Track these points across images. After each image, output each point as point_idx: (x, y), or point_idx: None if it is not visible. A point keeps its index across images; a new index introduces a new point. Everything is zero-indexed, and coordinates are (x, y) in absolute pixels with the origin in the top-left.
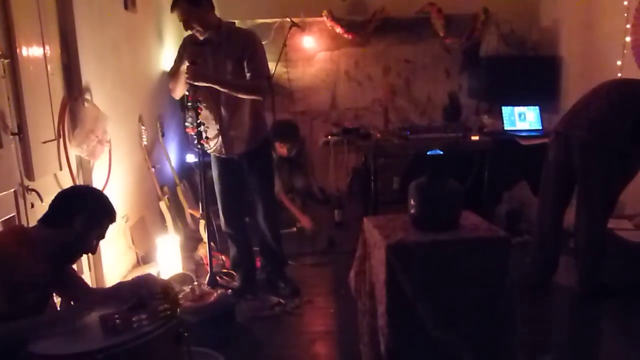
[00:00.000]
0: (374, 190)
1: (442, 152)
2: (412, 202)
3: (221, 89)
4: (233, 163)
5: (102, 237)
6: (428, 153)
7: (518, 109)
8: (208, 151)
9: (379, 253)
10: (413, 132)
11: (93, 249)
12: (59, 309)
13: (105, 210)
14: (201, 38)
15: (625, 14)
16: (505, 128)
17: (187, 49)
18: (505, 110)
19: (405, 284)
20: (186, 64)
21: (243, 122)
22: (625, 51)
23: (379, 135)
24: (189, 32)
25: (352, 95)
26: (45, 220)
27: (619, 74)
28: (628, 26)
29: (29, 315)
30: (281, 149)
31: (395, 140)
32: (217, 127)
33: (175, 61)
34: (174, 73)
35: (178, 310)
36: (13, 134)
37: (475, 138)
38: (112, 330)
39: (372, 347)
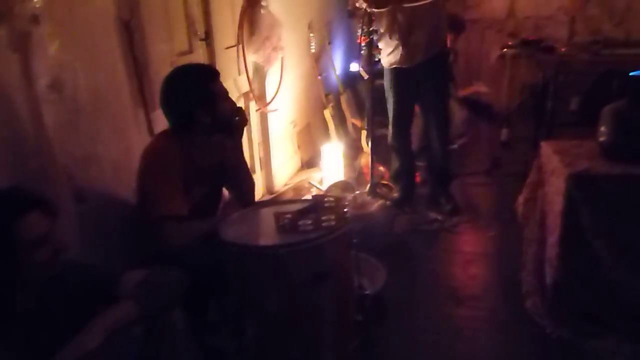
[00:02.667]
0: (550, 110)
1: None
2: (603, 128)
3: None
4: (409, 74)
5: (225, 94)
6: (631, 74)
7: None
8: (385, 64)
9: (557, 181)
10: (606, 47)
11: (233, 111)
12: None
13: (202, 81)
14: None
15: None
16: None
17: None
18: None
19: (586, 217)
20: None
21: (421, 30)
22: None
23: (563, 49)
24: None
25: (533, 1)
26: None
27: None
28: None
29: (202, 212)
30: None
31: (584, 56)
32: (396, 37)
33: None
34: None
35: (346, 221)
36: (201, 39)
37: None
38: (282, 228)
39: (536, 277)
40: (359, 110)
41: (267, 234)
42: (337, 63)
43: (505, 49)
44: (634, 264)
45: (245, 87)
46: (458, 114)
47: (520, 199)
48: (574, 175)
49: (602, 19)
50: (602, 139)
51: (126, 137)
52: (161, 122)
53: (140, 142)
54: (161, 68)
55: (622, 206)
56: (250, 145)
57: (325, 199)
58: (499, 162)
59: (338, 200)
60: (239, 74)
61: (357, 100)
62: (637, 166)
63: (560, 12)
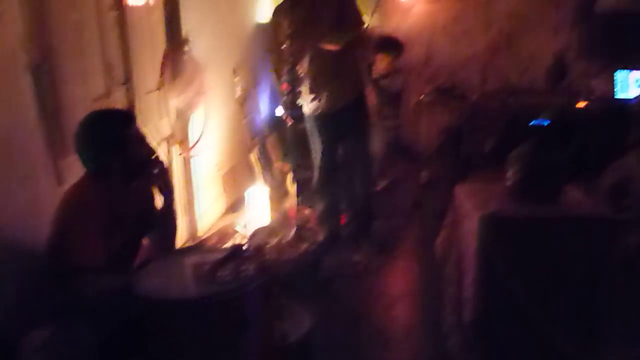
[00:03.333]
0: (467, 152)
1: (546, 122)
2: (511, 171)
3: (318, 46)
4: (331, 119)
5: (139, 140)
6: (532, 123)
7: (635, 74)
8: (308, 110)
9: (471, 223)
10: (512, 95)
11: (144, 154)
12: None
13: (116, 126)
14: None
15: None
16: (617, 95)
17: (287, 17)
18: (620, 75)
19: (498, 257)
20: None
21: (341, 77)
22: None
23: (475, 97)
24: None
25: (449, 51)
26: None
27: None
28: None
29: (120, 262)
30: (381, 62)
31: (492, 103)
32: (318, 84)
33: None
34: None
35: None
36: (120, 84)
37: (581, 105)
38: (200, 279)
39: (456, 316)
40: (285, 153)
41: (185, 285)
42: (263, 106)
43: (422, 96)
44: (546, 299)
45: (168, 132)
46: (379, 156)
47: (439, 239)
48: (485, 217)
49: (509, 67)
50: (509, 181)
51: (33, 185)
52: (77, 168)
53: (48, 189)
54: (76, 113)
55: (531, 245)
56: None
57: (245, 248)
58: (420, 203)
59: (258, 248)
60: (161, 119)
61: (283, 143)
62: (542, 206)
63: (473, 61)
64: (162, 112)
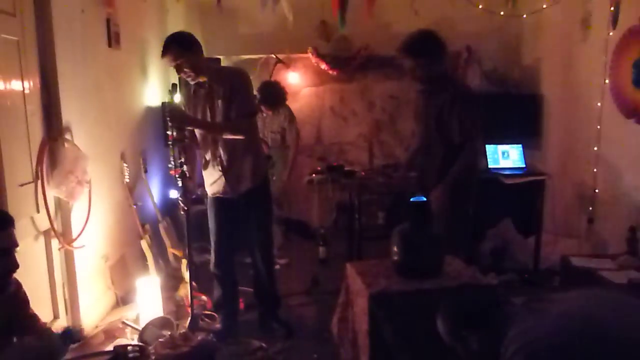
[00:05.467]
0: (359, 227)
1: (425, 198)
2: (394, 249)
3: (206, 131)
4: (231, 202)
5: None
6: (411, 200)
7: (502, 147)
8: (208, 193)
9: (361, 301)
10: (397, 170)
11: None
12: None
13: None
14: (192, 83)
15: (604, 57)
16: (489, 166)
17: (184, 91)
18: (489, 148)
19: (388, 333)
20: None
21: (243, 161)
22: (604, 93)
23: (363, 173)
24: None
25: (337, 130)
26: None
27: (599, 115)
28: (607, 69)
29: None
30: (267, 110)
31: (379, 179)
32: (219, 169)
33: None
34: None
35: None
36: None
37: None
38: None
39: None
40: (180, 238)
41: None
42: (155, 190)
43: (313, 175)
44: None
45: (46, 225)
46: (277, 234)
47: (335, 319)
48: (373, 295)
49: (393, 144)
50: (394, 258)
51: None
52: None
53: None
54: None
55: (418, 320)
56: (53, 288)
57: (129, 348)
58: (318, 280)
59: (142, 349)
60: (38, 212)
61: (177, 228)
62: (425, 282)
63: (360, 138)
64: (39, 204)
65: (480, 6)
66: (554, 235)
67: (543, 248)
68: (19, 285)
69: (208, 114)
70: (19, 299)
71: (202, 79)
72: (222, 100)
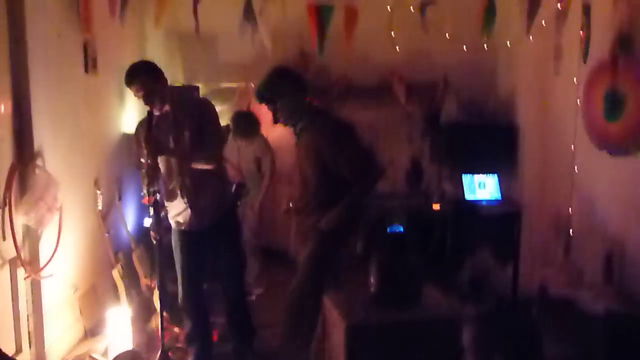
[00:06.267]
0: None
1: (402, 229)
2: (371, 279)
3: (177, 160)
4: (198, 234)
5: None
6: (388, 230)
7: (478, 177)
8: (173, 225)
9: (338, 332)
10: (375, 199)
11: None
12: None
13: None
14: (157, 113)
15: (576, 89)
16: (466, 197)
17: (143, 130)
18: (466, 178)
19: None
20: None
21: (209, 191)
22: (578, 125)
23: None
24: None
25: None
26: None
27: (573, 147)
28: (579, 101)
29: None
30: (240, 141)
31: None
32: (185, 200)
33: (135, 151)
34: (138, 165)
35: None
36: None
37: (436, 207)
38: None
39: None
40: (153, 267)
41: None
42: (130, 218)
43: (290, 203)
44: None
45: (12, 253)
46: (254, 264)
47: (312, 352)
48: (350, 327)
49: None
50: (372, 288)
51: None
52: None
53: None
54: None
55: (395, 350)
56: (17, 319)
57: None
58: None
59: None
60: (4, 239)
61: (151, 257)
62: (402, 312)
63: None
64: (6, 231)
65: (447, 35)
66: (532, 264)
67: (521, 277)
68: None
69: (171, 143)
70: None
71: (165, 109)
72: (189, 131)
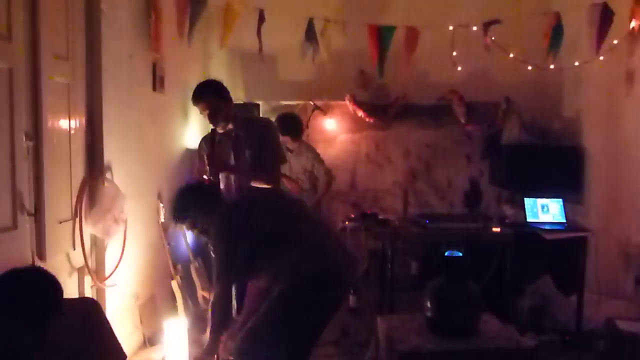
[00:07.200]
0: (391, 277)
1: (460, 254)
2: (428, 304)
3: (237, 176)
4: None
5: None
6: (446, 254)
7: (541, 201)
8: None
9: (391, 358)
10: (432, 221)
11: None
12: None
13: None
14: (221, 131)
15: None
16: (528, 220)
17: (206, 146)
18: (528, 201)
19: None
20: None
21: None
22: None
23: (397, 222)
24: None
25: (372, 177)
26: None
27: None
28: None
29: None
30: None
31: (413, 229)
32: None
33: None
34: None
35: None
36: (30, 214)
37: (496, 230)
38: None
39: None
40: (210, 280)
41: None
42: (188, 231)
43: (347, 222)
44: None
45: (81, 262)
46: None
47: None
48: (404, 354)
49: (428, 193)
50: (427, 314)
51: None
52: None
53: None
54: None
55: None
56: None
57: None
58: (348, 330)
59: None
60: (74, 248)
61: (208, 269)
62: (459, 342)
63: (395, 186)
64: (75, 241)
65: (511, 54)
66: (598, 295)
67: (585, 308)
68: None
69: (232, 160)
70: None
71: (229, 127)
72: (251, 150)
